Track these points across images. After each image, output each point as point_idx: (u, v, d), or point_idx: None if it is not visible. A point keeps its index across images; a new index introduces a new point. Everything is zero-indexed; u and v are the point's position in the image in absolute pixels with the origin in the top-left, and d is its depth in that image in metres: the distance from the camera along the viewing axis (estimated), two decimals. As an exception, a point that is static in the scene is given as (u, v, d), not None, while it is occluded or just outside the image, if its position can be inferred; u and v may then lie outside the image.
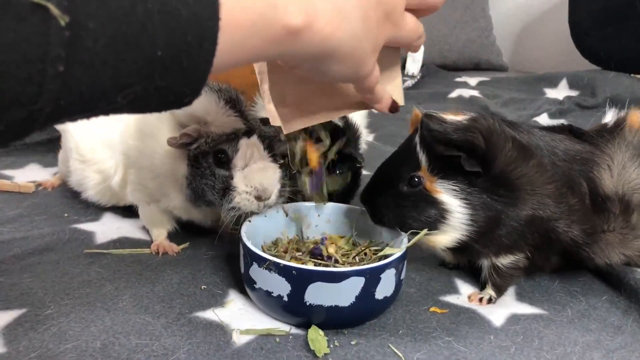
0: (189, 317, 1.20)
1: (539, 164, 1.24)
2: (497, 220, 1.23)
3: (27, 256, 1.40)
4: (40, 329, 1.13)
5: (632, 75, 3.22)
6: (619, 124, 1.40)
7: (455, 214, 1.22)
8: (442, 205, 1.22)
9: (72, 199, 1.77)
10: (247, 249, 1.20)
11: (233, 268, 1.40)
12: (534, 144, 1.29)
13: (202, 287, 1.31)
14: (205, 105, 1.29)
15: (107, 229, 1.58)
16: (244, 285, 1.29)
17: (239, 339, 1.13)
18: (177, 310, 1.22)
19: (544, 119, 2.87)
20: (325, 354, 1.11)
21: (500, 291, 1.34)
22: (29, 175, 1.98)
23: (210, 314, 1.22)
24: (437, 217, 1.23)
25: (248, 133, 1.32)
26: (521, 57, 4.57)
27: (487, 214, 1.22)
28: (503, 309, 1.30)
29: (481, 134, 1.20)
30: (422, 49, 3.32)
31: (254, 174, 1.28)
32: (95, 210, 1.70)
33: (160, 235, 1.52)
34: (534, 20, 4.49)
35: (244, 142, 1.30)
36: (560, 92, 3.31)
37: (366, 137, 1.95)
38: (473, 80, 3.65)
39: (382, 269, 1.17)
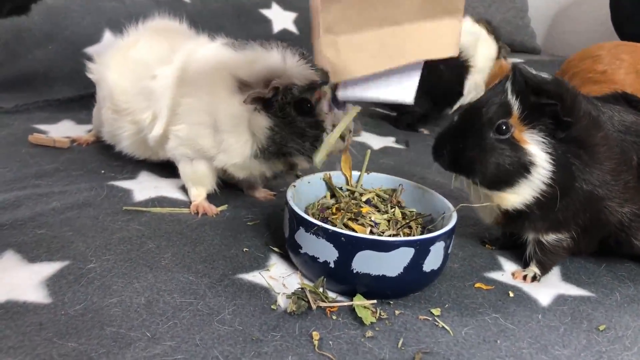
0: (232, 278, 1.18)
1: (606, 136, 1.20)
2: (569, 185, 1.18)
3: (66, 210, 1.39)
4: (83, 282, 1.12)
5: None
6: None
7: (540, 169, 1.16)
8: (530, 156, 1.16)
9: (108, 156, 1.75)
10: (294, 213, 1.18)
11: (273, 232, 1.38)
12: (597, 109, 1.26)
13: (244, 249, 1.29)
14: (281, 60, 1.35)
15: (144, 187, 1.56)
16: (286, 249, 1.27)
17: (284, 303, 1.11)
18: (220, 271, 1.20)
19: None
20: (372, 323, 1.08)
21: (544, 269, 1.32)
22: (63, 131, 1.96)
23: (253, 277, 1.20)
24: (521, 168, 1.16)
25: (323, 83, 1.35)
26: (555, 41, 4.47)
27: (564, 175, 1.16)
28: (549, 289, 1.28)
29: (566, 90, 1.16)
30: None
31: (337, 117, 1.34)
32: (132, 168, 1.68)
33: (199, 196, 1.50)
34: (570, 4, 4.38)
35: (326, 91, 1.34)
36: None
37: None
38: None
39: (432, 241, 1.14)
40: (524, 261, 1.36)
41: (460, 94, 2.22)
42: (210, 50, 1.47)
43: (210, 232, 1.35)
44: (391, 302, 1.16)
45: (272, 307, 1.11)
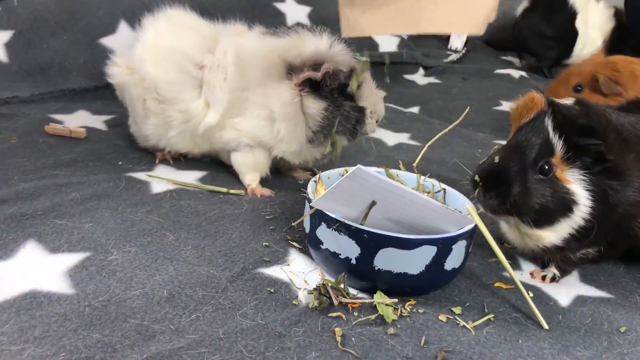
0: (252, 272, 1.18)
1: (637, 157, 1.19)
2: (606, 215, 1.16)
3: (85, 201, 1.39)
4: (105, 273, 1.12)
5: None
6: None
7: (581, 207, 1.14)
8: (572, 196, 1.14)
9: (124, 148, 1.75)
10: (315, 209, 1.17)
11: (292, 226, 1.38)
12: (623, 122, 1.24)
13: (264, 244, 1.29)
14: (328, 45, 1.43)
15: (161, 180, 1.56)
16: (305, 244, 1.27)
17: (305, 299, 1.11)
18: (240, 265, 1.20)
19: (594, 103, 2.79)
20: (394, 320, 1.08)
21: (564, 272, 1.31)
22: (79, 121, 1.95)
23: (273, 271, 1.20)
24: (564, 208, 1.15)
25: (362, 70, 1.48)
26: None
27: (602, 208, 1.15)
28: (568, 289, 1.27)
29: (601, 121, 1.14)
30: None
31: (379, 102, 1.52)
32: (149, 160, 1.68)
33: (254, 181, 1.57)
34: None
35: (366, 77, 1.49)
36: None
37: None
38: (517, 60, 3.59)
39: (455, 239, 1.14)
40: (541, 260, 1.36)
41: None
42: (257, 40, 1.53)
43: (230, 226, 1.35)
44: (412, 300, 1.16)
45: (294, 302, 1.11)
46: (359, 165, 1.06)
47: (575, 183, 1.15)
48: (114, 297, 1.06)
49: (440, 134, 1.48)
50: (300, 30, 1.48)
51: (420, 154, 1.44)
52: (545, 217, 1.17)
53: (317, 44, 1.43)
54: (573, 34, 3.31)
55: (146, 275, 1.13)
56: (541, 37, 3.27)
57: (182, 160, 1.70)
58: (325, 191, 1.12)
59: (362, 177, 1.06)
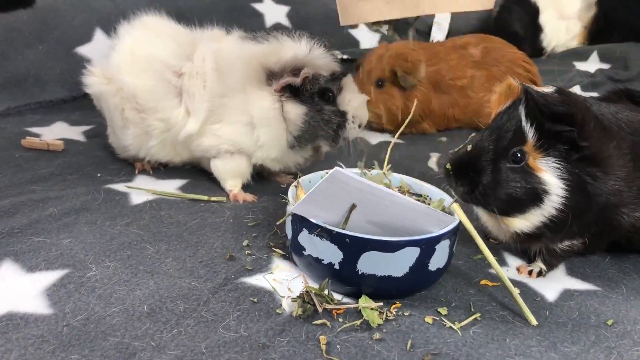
0: (235, 282, 1.17)
1: (618, 145, 1.18)
2: (583, 206, 1.15)
3: (63, 216, 1.36)
4: (84, 291, 1.10)
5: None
6: None
7: (553, 196, 1.13)
8: (543, 185, 1.13)
9: (103, 159, 1.72)
10: (296, 214, 1.16)
11: (275, 233, 1.36)
12: (604, 113, 1.24)
13: (246, 252, 1.27)
14: (308, 50, 1.43)
15: (141, 191, 1.53)
16: (288, 251, 1.26)
17: (289, 307, 1.10)
18: (222, 275, 1.18)
19: (576, 91, 2.79)
20: (379, 325, 1.07)
21: (551, 266, 1.31)
22: (57, 133, 1.92)
23: (256, 280, 1.18)
24: (534, 197, 1.14)
25: (343, 73, 1.48)
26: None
27: (578, 198, 1.14)
28: (555, 284, 1.27)
29: (579, 109, 1.12)
30: (448, 15, 3.22)
31: (361, 107, 1.49)
32: (128, 171, 1.65)
33: (236, 187, 1.56)
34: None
35: (349, 81, 1.49)
36: (590, 65, 3.21)
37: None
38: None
39: (438, 239, 1.13)
40: (527, 256, 1.35)
41: None
42: (236, 45, 1.52)
43: (212, 235, 1.33)
44: (398, 302, 1.15)
45: (277, 311, 1.09)
46: (336, 168, 1.04)
47: (548, 172, 1.13)
48: (93, 315, 1.03)
49: (400, 130, 1.48)
50: (279, 36, 1.47)
51: (389, 150, 1.39)
52: (513, 207, 1.16)
53: (296, 49, 1.42)
54: (538, 31, 3.36)
55: (126, 291, 1.11)
56: (515, 36, 3.29)
57: (162, 170, 1.68)
58: (304, 196, 1.11)
59: (340, 180, 1.05)
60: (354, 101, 1.48)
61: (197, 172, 1.68)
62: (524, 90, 1.16)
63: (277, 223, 1.36)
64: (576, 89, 2.81)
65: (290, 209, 1.14)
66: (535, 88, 1.18)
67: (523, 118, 1.14)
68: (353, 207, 1.09)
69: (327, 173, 1.29)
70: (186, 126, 1.51)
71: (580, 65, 3.22)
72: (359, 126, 1.50)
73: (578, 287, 1.26)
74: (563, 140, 1.12)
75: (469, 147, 1.18)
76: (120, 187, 1.54)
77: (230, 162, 1.54)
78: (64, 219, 1.35)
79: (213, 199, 1.51)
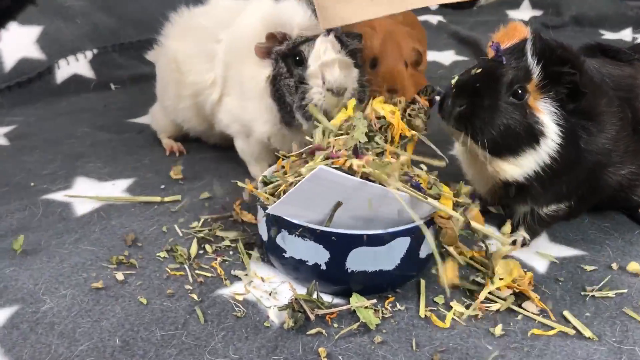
0: (212, 296, 1.05)
1: (609, 102, 1.15)
2: (575, 160, 1.12)
3: (0, 240, 1.20)
4: (41, 329, 0.96)
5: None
6: None
7: (548, 141, 1.09)
8: (541, 126, 1.09)
9: (34, 164, 1.54)
10: (273, 215, 1.05)
11: (251, 234, 1.24)
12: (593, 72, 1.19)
13: (219, 259, 1.15)
14: (292, 11, 1.30)
15: (84, 199, 1.37)
16: (263, 251, 1.15)
17: (278, 317, 1.00)
18: (197, 291, 1.07)
19: (514, 42, 2.77)
20: (377, 325, 0.99)
21: (534, 234, 1.27)
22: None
23: (235, 290, 1.07)
24: (530, 137, 1.10)
25: (326, 35, 1.27)
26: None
27: (571, 150, 1.11)
28: (542, 254, 1.22)
29: (583, 59, 1.11)
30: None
31: (327, 66, 1.24)
32: (64, 174, 1.48)
33: (259, 172, 1.42)
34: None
35: (319, 40, 1.26)
36: (523, 12, 3.21)
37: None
38: (432, 5, 3.50)
39: (427, 225, 1.05)
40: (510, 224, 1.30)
41: None
42: (252, 9, 1.41)
43: (173, 243, 1.20)
44: (389, 296, 1.07)
45: (266, 324, 0.99)
46: (320, 166, 0.93)
47: (547, 114, 1.10)
48: (58, 358, 0.90)
49: None
50: None
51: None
52: (507, 144, 1.11)
53: (281, 12, 1.31)
54: None
55: (91, 323, 0.98)
56: None
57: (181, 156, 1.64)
58: (283, 195, 1.00)
59: (324, 178, 0.94)
60: (320, 58, 1.25)
61: (142, 168, 1.53)
62: (534, 31, 1.13)
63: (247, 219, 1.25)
64: (514, 39, 2.79)
65: (267, 210, 1.03)
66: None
67: (529, 57, 1.10)
68: (338, 204, 0.99)
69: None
70: (210, 94, 1.46)
71: (514, 14, 3.21)
72: (332, 91, 1.24)
73: (565, 254, 1.22)
74: (565, 84, 1.09)
75: (474, 72, 1.13)
76: (59, 196, 1.37)
77: (246, 144, 1.47)
78: (1, 243, 1.18)
79: (167, 199, 1.37)
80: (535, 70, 1.10)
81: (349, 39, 1.31)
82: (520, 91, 1.10)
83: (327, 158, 1.04)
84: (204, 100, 1.48)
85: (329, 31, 1.26)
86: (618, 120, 1.16)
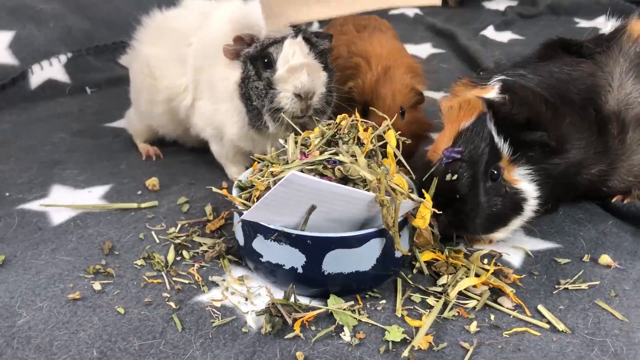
0: (189, 303, 1.05)
1: (572, 122, 1.16)
2: (552, 185, 1.16)
3: (-26, 252, 1.19)
4: (17, 344, 0.95)
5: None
6: (618, 32, 1.32)
7: (531, 201, 1.14)
8: (522, 194, 1.13)
9: (9, 173, 1.52)
10: (248, 220, 1.05)
11: (228, 239, 1.24)
12: (548, 83, 1.20)
13: (196, 266, 1.16)
14: (259, 12, 1.27)
15: (60, 207, 1.36)
16: (239, 255, 1.16)
17: (256, 323, 1.00)
18: (173, 298, 1.07)
19: (490, 32, 2.79)
20: (354, 327, 1.00)
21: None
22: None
23: (212, 297, 1.07)
24: (516, 208, 1.14)
25: (295, 36, 1.26)
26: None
27: (549, 186, 1.15)
28: (516, 248, 1.24)
29: (538, 106, 1.12)
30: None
31: (294, 70, 1.24)
32: (40, 182, 1.47)
33: (238, 173, 1.43)
34: None
35: (287, 42, 1.25)
36: (499, 3, 3.23)
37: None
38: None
39: (401, 225, 1.06)
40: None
41: None
42: (221, 11, 1.41)
43: (150, 249, 1.20)
44: (367, 296, 1.08)
45: (244, 330, 0.99)
46: (292, 172, 0.94)
47: (523, 180, 1.13)
48: (34, 373, 0.90)
49: None
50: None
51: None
52: (497, 224, 1.16)
53: (249, 13, 1.30)
54: None
55: (68, 335, 0.97)
56: None
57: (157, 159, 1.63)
58: (257, 201, 1.00)
59: (297, 183, 0.95)
60: (288, 62, 1.25)
61: (119, 174, 1.52)
62: (489, 105, 1.13)
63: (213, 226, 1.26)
64: (490, 30, 2.80)
65: (242, 216, 1.03)
66: (491, 99, 1.14)
67: (495, 135, 1.12)
68: (313, 208, 1.00)
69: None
70: (183, 99, 1.46)
71: (489, 4, 3.24)
72: (299, 96, 1.24)
73: (539, 248, 1.24)
74: (535, 147, 1.12)
75: (449, 177, 1.11)
76: (35, 206, 1.36)
77: (221, 146, 1.46)
78: (-24, 255, 1.18)
79: (143, 205, 1.36)
80: (504, 147, 1.11)
81: (319, 39, 1.31)
82: (495, 172, 1.12)
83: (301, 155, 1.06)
84: (177, 105, 1.48)
85: (297, 32, 1.25)
86: (584, 130, 1.18)
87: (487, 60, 2.31)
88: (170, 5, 1.64)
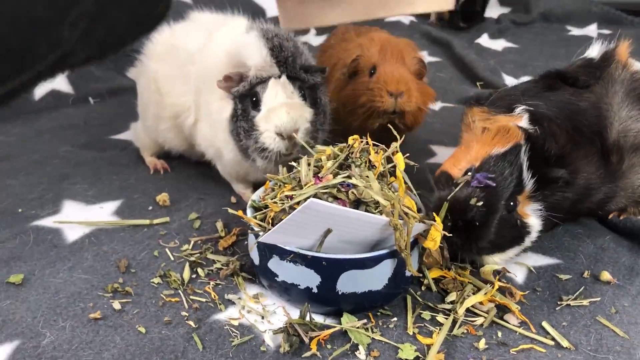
0: (208, 322, 1.09)
1: (585, 153, 1.20)
2: (553, 222, 1.20)
3: (-7, 270, 1.21)
4: (44, 364, 0.99)
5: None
6: (606, 60, 1.36)
7: (532, 234, 1.18)
8: (527, 228, 1.16)
9: (20, 188, 1.54)
10: (264, 242, 1.09)
11: (242, 257, 1.28)
12: (564, 115, 1.24)
13: (212, 283, 1.19)
14: (249, 50, 1.29)
15: (73, 225, 1.39)
16: (254, 273, 1.19)
17: (273, 341, 1.04)
18: (192, 317, 1.10)
19: (484, 40, 2.84)
20: (369, 345, 1.04)
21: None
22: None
23: (230, 315, 1.11)
24: (518, 239, 1.18)
25: (279, 77, 1.29)
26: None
27: (550, 223, 1.19)
28: (518, 264, 1.28)
29: (563, 142, 1.16)
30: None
31: (275, 111, 1.26)
32: (51, 198, 1.49)
33: (246, 189, 1.51)
34: None
35: (270, 83, 1.28)
36: (492, 10, 3.27)
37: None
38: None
39: (412, 246, 1.10)
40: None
41: None
42: (221, 36, 1.44)
43: (166, 267, 1.23)
44: (379, 313, 1.12)
45: (262, 348, 1.03)
46: (312, 199, 0.97)
47: (532, 215, 1.17)
48: (63, 394, 0.93)
49: None
50: (253, 31, 1.33)
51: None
52: (496, 249, 1.19)
53: (245, 50, 1.30)
54: None
55: (92, 355, 1.01)
56: None
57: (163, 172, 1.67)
58: (275, 225, 1.04)
59: (315, 210, 0.98)
60: (269, 103, 1.27)
61: (129, 188, 1.55)
62: (528, 136, 1.15)
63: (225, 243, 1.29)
64: (484, 38, 2.85)
65: (260, 238, 1.06)
66: (531, 130, 1.16)
67: (524, 170, 1.13)
68: (328, 231, 1.03)
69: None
70: (187, 117, 1.49)
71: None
72: (281, 136, 1.26)
73: (541, 263, 1.29)
74: (557, 183, 1.15)
75: (473, 201, 1.12)
76: (49, 222, 1.39)
77: (224, 166, 1.50)
78: (-5, 274, 1.20)
79: (156, 221, 1.39)
80: (529, 183, 1.14)
81: (309, 74, 1.31)
82: (512, 203, 1.14)
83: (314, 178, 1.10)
84: (182, 122, 1.51)
85: (283, 71, 1.28)
86: (593, 163, 1.22)
87: (483, 70, 2.36)
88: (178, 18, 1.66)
